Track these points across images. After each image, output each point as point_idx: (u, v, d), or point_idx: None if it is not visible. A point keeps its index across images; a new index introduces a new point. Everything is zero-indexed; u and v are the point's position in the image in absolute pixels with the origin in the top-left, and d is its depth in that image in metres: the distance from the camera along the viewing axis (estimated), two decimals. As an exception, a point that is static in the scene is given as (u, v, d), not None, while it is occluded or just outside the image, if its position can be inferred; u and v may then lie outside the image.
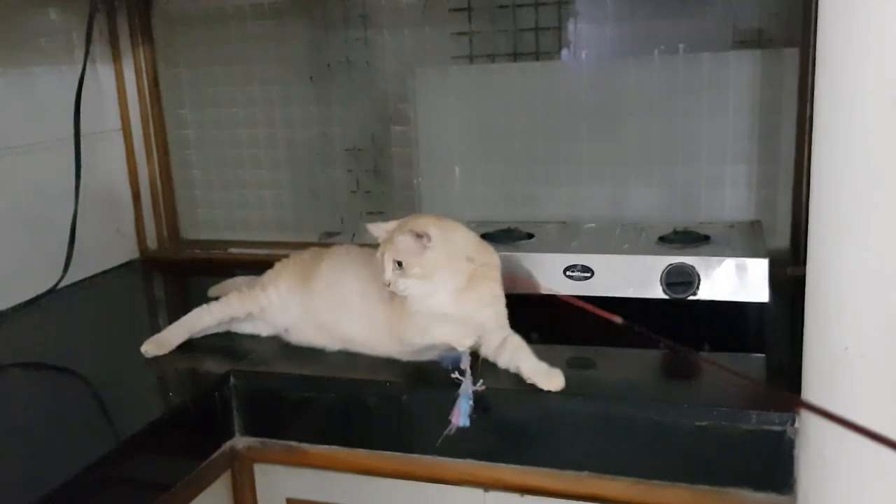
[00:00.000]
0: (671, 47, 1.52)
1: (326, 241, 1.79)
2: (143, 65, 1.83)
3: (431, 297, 1.11)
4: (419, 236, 1.09)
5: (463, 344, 1.06)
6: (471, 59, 1.65)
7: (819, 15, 0.79)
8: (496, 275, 1.16)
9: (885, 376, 0.77)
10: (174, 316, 1.30)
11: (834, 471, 0.87)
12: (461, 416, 1.03)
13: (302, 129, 1.80)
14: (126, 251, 1.85)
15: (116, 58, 1.81)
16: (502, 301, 1.16)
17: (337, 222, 1.81)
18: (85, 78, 1.65)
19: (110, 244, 1.81)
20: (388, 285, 1.10)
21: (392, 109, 1.72)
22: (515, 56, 1.62)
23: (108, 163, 1.80)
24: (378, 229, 1.15)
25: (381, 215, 1.76)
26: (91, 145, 1.70)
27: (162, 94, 1.86)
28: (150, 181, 1.88)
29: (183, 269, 1.85)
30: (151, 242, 1.90)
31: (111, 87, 1.81)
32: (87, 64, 1.67)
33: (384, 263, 1.10)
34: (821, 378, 0.86)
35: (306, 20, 1.76)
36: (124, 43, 1.81)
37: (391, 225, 1.15)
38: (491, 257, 1.17)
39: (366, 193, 1.78)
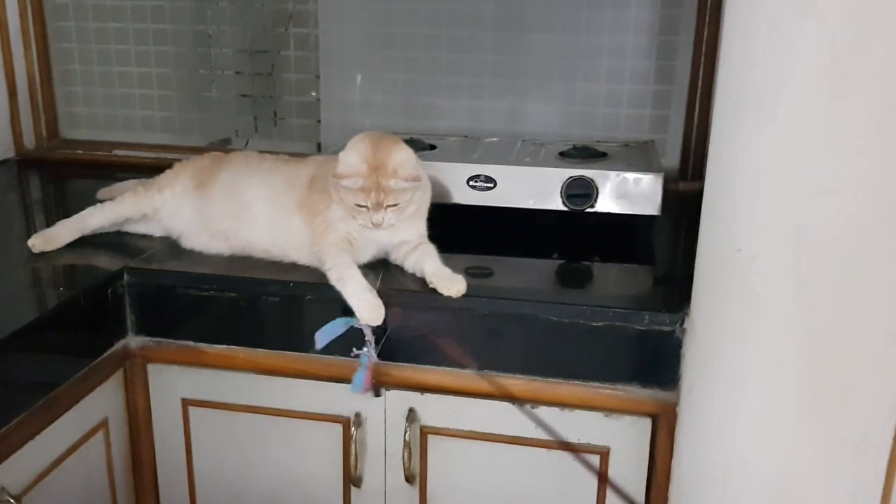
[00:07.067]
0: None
1: (217, 148, 1.73)
2: (19, -53, 1.69)
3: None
4: (410, 180, 1.07)
5: (370, 324, 1.05)
6: (377, -38, 1.60)
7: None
8: (428, 189, 1.16)
9: (773, 275, 0.82)
10: (55, 218, 1.24)
11: (716, 369, 0.92)
12: (356, 382, 1.07)
13: (193, 25, 1.71)
14: (0, 149, 1.74)
15: (-10, -63, 1.66)
16: (425, 213, 1.16)
17: (229, 126, 1.75)
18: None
19: (-18, 141, 1.69)
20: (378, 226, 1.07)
21: (292, 10, 1.66)
22: (422, -38, 1.58)
23: (-20, 53, 1.67)
24: (350, 168, 1.07)
25: (281, 121, 1.72)
26: (-40, 32, 1.57)
27: (41, -19, 1.73)
28: (28, 75, 1.75)
29: (63, 171, 1.75)
30: (28, 141, 1.79)
31: (-17, -29, 1.66)
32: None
33: (380, 213, 1.06)
34: (713, 277, 0.91)
35: None
36: (-1, -79, 1.66)
37: (354, 157, 1.07)
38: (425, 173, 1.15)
39: (263, 98, 1.72)
